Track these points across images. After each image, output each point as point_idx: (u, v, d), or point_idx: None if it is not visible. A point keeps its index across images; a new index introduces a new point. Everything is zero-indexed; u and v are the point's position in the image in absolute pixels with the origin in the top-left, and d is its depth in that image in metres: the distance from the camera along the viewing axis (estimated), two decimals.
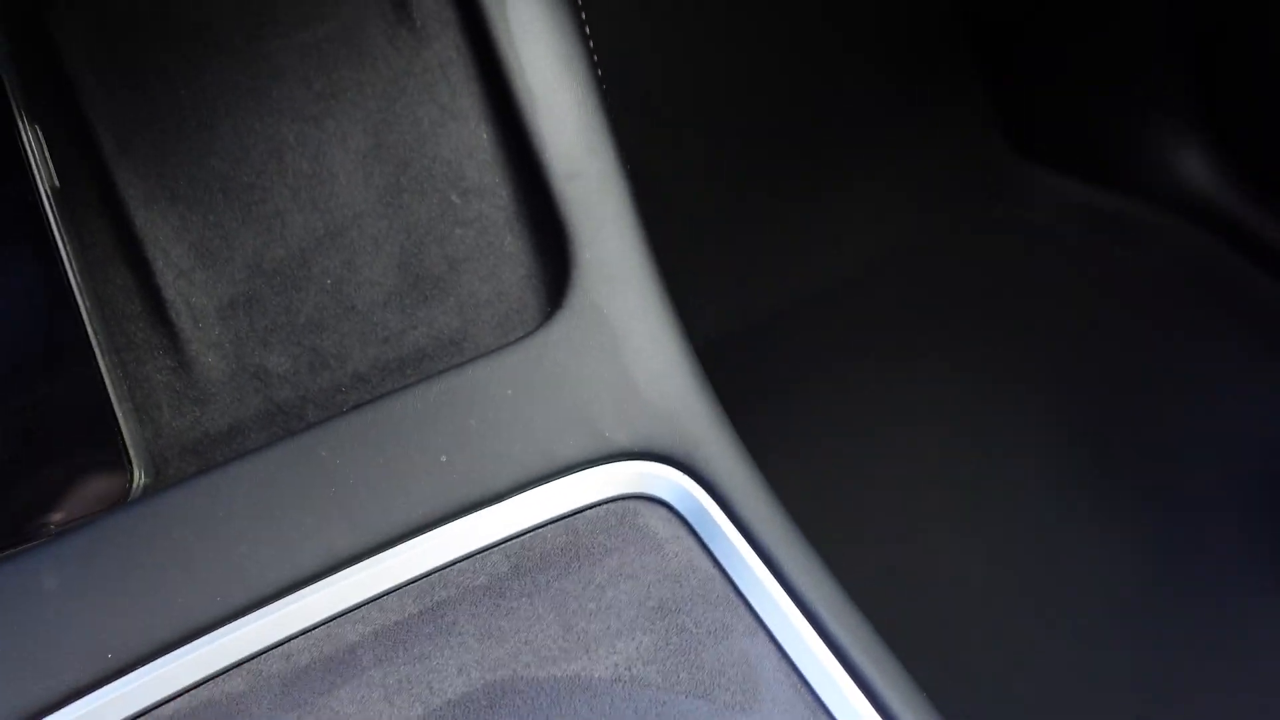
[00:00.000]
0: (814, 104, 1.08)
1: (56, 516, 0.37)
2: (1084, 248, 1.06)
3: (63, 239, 0.38)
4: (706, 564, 0.38)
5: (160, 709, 0.35)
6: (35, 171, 0.38)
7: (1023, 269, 1.06)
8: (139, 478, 0.38)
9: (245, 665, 0.36)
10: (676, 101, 1.03)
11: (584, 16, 0.44)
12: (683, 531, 0.38)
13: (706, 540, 0.38)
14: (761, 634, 0.36)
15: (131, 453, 0.38)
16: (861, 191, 1.09)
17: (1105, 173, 1.07)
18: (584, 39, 0.43)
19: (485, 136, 0.43)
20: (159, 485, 0.39)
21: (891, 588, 0.83)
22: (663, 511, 0.39)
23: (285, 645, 0.36)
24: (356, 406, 0.39)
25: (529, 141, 0.42)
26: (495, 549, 0.38)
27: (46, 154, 0.39)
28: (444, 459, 0.38)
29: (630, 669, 0.35)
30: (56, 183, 0.39)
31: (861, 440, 0.92)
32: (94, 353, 0.38)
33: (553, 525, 0.39)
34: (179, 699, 0.35)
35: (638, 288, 0.41)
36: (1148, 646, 0.80)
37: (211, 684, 0.35)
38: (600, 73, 0.44)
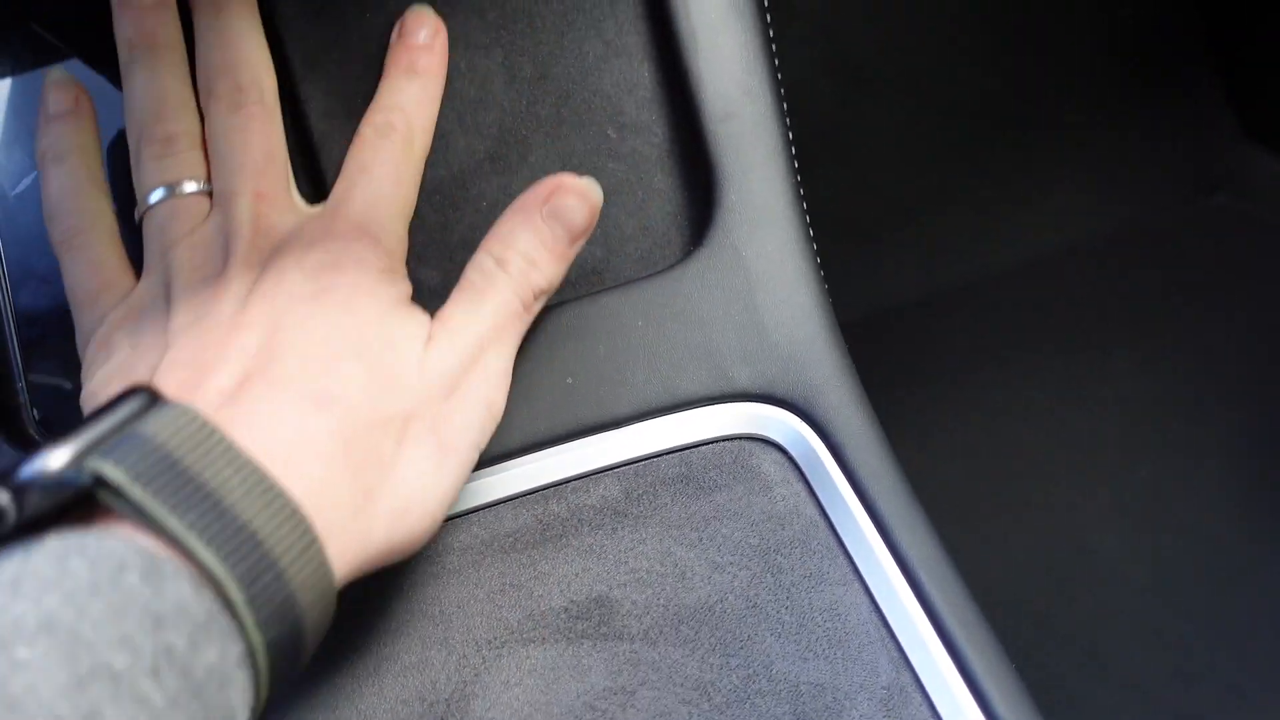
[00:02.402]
0: (1027, 78, 1.03)
1: None
2: None
3: None
4: (812, 510, 0.38)
5: None
6: None
7: (1237, 264, 0.99)
8: None
9: None
10: (879, 64, 1.00)
11: None
12: (793, 476, 0.39)
13: (815, 487, 0.38)
14: (856, 585, 0.36)
15: None
16: (1069, 170, 1.04)
17: None
18: None
19: (646, 74, 0.44)
20: None
21: (1044, 577, 0.80)
22: (776, 454, 0.39)
23: None
24: None
25: (687, 81, 0.43)
26: (609, 472, 0.39)
27: None
28: (570, 380, 0.40)
29: (720, 601, 0.36)
30: None
31: (1034, 424, 0.89)
32: None
33: (668, 456, 0.40)
34: None
35: (779, 233, 0.42)
36: None
37: None
38: (775, 29, 0.44)
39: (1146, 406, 0.89)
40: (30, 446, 0.40)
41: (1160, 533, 0.82)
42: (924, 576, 0.35)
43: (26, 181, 0.41)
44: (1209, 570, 0.80)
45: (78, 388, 0.40)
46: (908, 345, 0.94)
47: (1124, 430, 0.88)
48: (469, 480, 0.39)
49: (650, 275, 0.41)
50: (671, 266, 0.42)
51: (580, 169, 0.44)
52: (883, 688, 0.33)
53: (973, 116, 1.01)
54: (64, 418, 0.41)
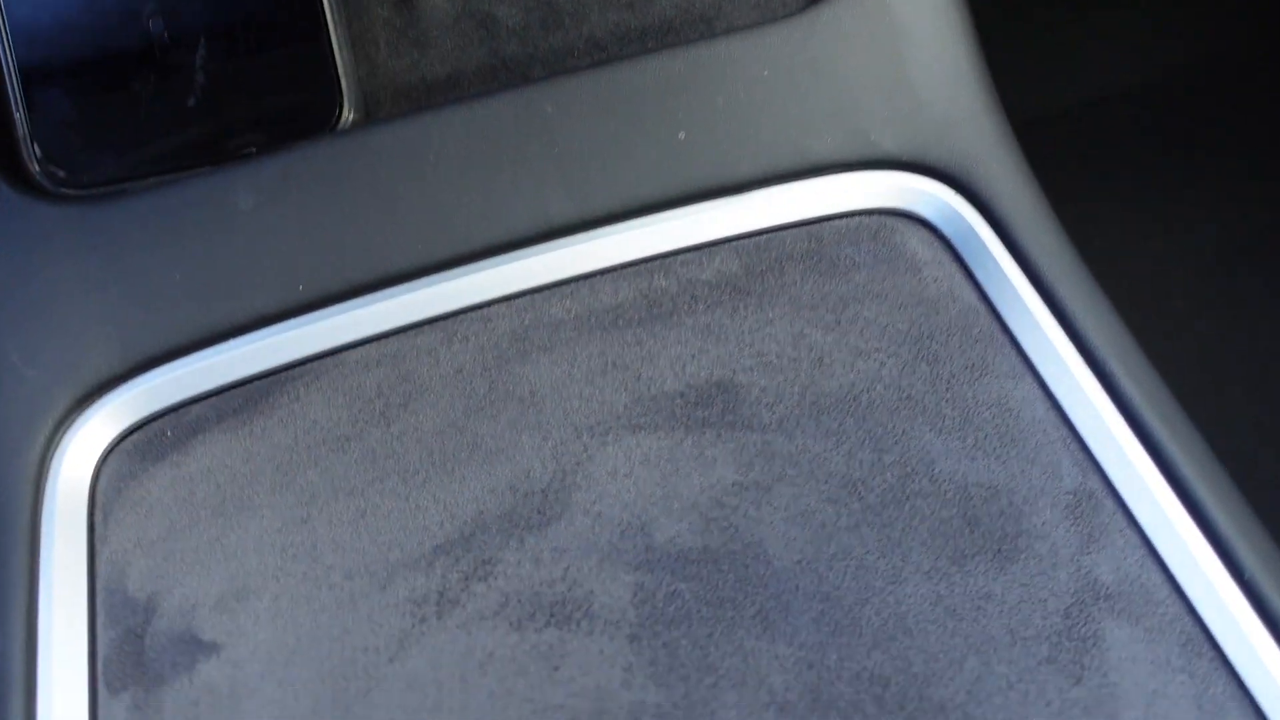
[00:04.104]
0: None
1: (258, 139, 0.34)
2: None
3: None
4: (970, 295, 0.32)
5: (348, 352, 0.32)
6: None
7: None
8: (348, 113, 0.35)
9: (440, 323, 0.32)
10: None
11: None
12: (946, 257, 0.33)
13: (974, 268, 0.32)
14: (1029, 378, 0.30)
15: (344, 84, 0.34)
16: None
17: None
18: None
19: None
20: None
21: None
22: (925, 233, 0.33)
23: (485, 309, 0.33)
24: (593, 66, 0.34)
25: None
26: (727, 244, 0.33)
27: None
28: (682, 136, 0.33)
29: (867, 390, 0.30)
30: None
31: (1096, 271, 0.83)
32: None
33: (795, 229, 0.34)
34: (368, 345, 0.32)
35: None
36: None
37: (402, 336, 0.32)
38: None
39: (1212, 257, 0.83)
40: (31, 187, 0.33)
41: (1220, 387, 0.77)
42: (1115, 367, 0.30)
43: None
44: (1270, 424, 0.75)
45: (88, 115, 0.34)
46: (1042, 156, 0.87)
47: (1189, 281, 0.82)
48: (559, 246, 0.33)
49: (778, 20, 0.35)
50: (801, 10, 0.35)
51: None
52: (1067, 493, 0.28)
53: None
54: (71, 152, 0.34)
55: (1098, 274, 0.74)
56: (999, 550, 0.27)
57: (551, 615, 0.27)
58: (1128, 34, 0.94)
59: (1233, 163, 0.87)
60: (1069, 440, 0.29)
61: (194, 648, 0.28)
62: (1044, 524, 0.28)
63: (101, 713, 0.27)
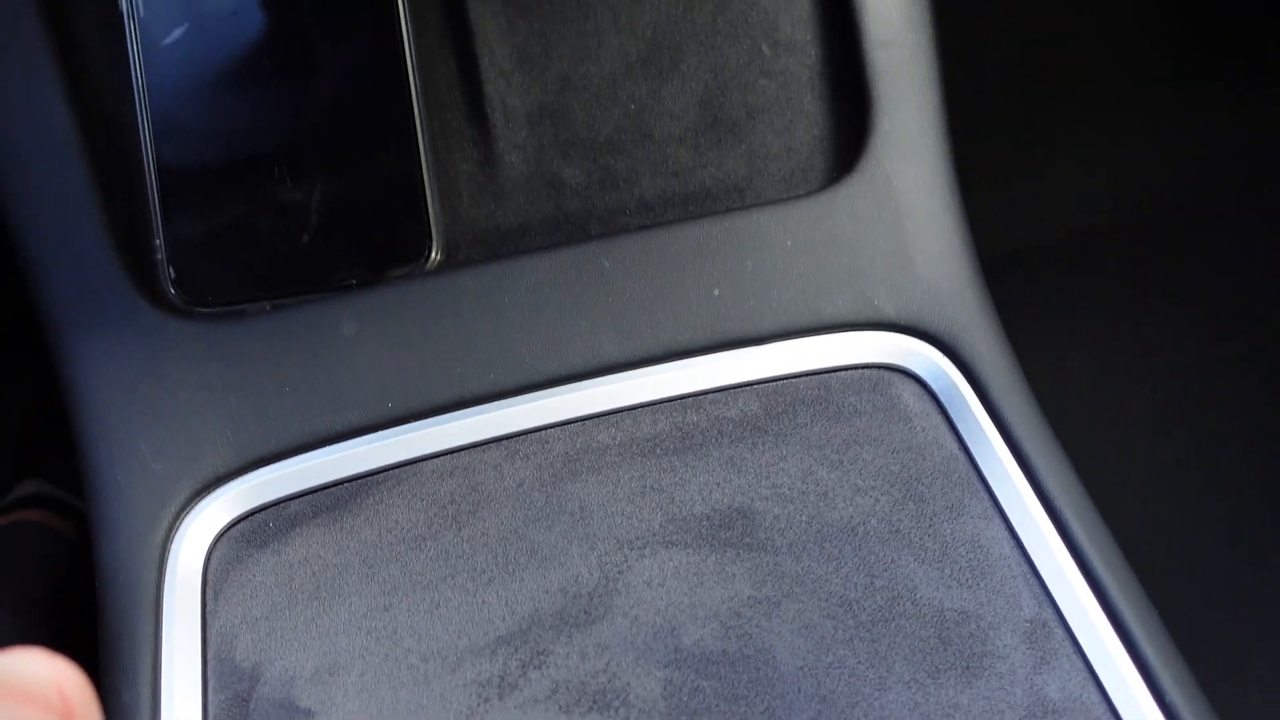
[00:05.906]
0: (1149, 31, 1.01)
1: (359, 272, 0.40)
2: None
3: (406, 17, 0.40)
4: (952, 443, 0.38)
5: (426, 462, 0.38)
6: None
7: None
8: (435, 254, 0.41)
9: (505, 442, 0.38)
10: (989, 3, 0.98)
11: None
12: (933, 409, 0.39)
13: (955, 421, 0.38)
14: (998, 520, 0.36)
15: (433, 229, 0.41)
16: (1123, 148, 1.03)
17: None
18: None
19: None
20: (449, 265, 0.41)
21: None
22: (916, 387, 0.39)
23: (543, 432, 0.38)
24: (644, 228, 0.41)
25: (849, 2, 0.42)
26: (749, 387, 0.39)
27: None
28: (716, 293, 0.40)
29: (863, 523, 0.36)
30: None
31: (1068, 394, 0.89)
32: (416, 131, 0.40)
33: (807, 378, 0.40)
34: (443, 457, 0.38)
35: (930, 165, 0.41)
36: None
37: (472, 451, 0.38)
38: None
39: (1180, 381, 0.90)
40: (166, 305, 0.39)
41: (1184, 507, 0.83)
42: (1069, 516, 0.36)
43: (177, 33, 0.40)
44: (1229, 549, 0.81)
45: (216, 244, 0.40)
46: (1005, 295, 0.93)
47: (1156, 403, 0.89)
48: (608, 382, 0.39)
49: (800, 197, 0.41)
50: (822, 189, 0.41)
51: (730, 83, 0.43)
52: (1026, 621, 0.34)
53: (1085, 58, 1.00)
54: (200, 276, 0.40)
55: (1071, 393, 0.81)
56: (967, 667, 0.33)
57: (594, 702, 0.33)
58: (1089, 176, 1.01)
59: (1193, 299, 0.94)
60: (1029, 576, 0.35)
61: (293, 713, 0.33)
62: (1005, 646, 0.33)
63: None
